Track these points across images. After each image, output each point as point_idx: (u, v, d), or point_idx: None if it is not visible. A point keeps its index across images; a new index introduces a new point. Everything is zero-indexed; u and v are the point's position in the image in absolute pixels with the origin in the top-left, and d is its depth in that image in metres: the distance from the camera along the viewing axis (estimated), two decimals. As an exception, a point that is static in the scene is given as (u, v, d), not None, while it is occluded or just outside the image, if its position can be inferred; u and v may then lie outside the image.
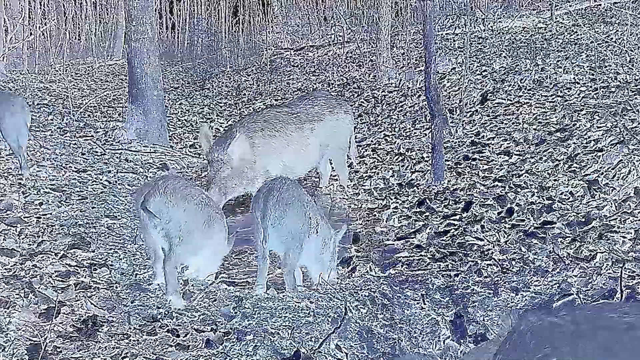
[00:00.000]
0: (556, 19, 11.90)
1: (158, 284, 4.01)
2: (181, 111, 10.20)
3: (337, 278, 4.29)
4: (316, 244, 4.09)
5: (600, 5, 12.57)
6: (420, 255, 4.60)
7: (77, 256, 4.38)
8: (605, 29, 10.46)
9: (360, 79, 10.96)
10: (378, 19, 10.44)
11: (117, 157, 7.10)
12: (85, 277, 4.09)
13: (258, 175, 5.75)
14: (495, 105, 7.76)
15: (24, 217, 4.88)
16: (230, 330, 3.50)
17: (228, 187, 5.60)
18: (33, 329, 3.36)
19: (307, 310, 3.78)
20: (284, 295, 4.01)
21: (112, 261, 4.45)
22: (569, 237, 4.48)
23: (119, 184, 6.13)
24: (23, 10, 12.28)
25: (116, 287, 4.06)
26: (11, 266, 4.08)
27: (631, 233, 4.35)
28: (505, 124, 7.12)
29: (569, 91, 7.61)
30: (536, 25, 12.00)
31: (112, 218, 5.19)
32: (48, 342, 3.24)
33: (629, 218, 4.55)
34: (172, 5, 17.14)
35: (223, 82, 12.72)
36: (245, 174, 5.68)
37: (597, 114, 6.53)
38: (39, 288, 3.84)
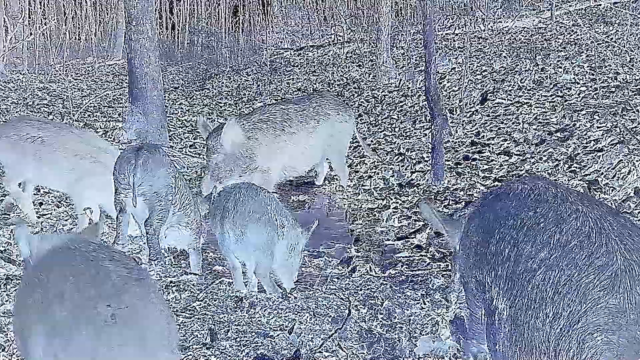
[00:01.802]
0: (556, 19, 11.89)
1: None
2: (181, 111, 10.20)
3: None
4: (282, 249, 4.01)
5: (600, 5, 12.56)
6: (420, 255, 4.60)
7: (77, 256, 4.38)
8: (605, 29, 10.45)
9: (360, 79, 10.96)
10: (378, 19, 10.44)
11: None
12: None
13: (255, 167, 5.74)
14: (495, 105, 7.76)
15: (24, 217, 4.88)
16: (230, 330, 3.51)
17: (221, 174, 5.63)
18: (33, 329, 3.36)
19: (307, 310, 3.78)
20: (284, 296, 4.01)
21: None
22: (569, 237, 4.48)
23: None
24: (23, 10, 12.28)
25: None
26: (11, 267, 4.08)
27: (631, 233, 4.35)
28: (505, 124, 7.12)
29: (569, 91, 7.60)
30: (536, 25, 11.99)
31: (112, 218, 5.19)
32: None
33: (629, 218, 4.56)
34: (172, 5, 17.12)
35: (223, 82, 12.72)
36: (239, 161, 5.69)
37: (597, 114, 6.52)
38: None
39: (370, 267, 4.45)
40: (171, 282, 4.21)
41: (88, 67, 13.08)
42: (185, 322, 3.60)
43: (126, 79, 8.21)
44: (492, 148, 6.59)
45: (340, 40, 13.99)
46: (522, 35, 11.29)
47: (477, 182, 5.82)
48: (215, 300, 3.90)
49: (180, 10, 17.06)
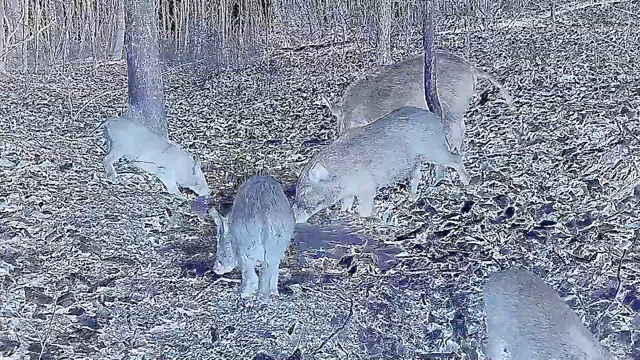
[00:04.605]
0: (556, 19, 11.91)
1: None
2: (181, 111, 10.20)
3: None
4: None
5: (600, 5, 12.56)
6: (420, 255, 4.60)
7: (77, 256, 4.39)
8: (605, 29, 10.46)
9: (360, 79, 10.96)
10: (378, 19, 10.44)
11: (117, 157, 7.09)
12: (85, 277, 4.09)
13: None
14: (495, 105, 7.77)
15: (25, 218, 4.88)
16: (230, 330, 3.51)
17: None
18: (33, 329, 3.36)
19: (307, 310, 3.78)
20: (284, 296, 4.01)
21: (112, 261, 4.45)
22: (569, 237, 4.48)
23: (119, 184, 6.13)
24: (23, 10, 12.27)
25: (116, 287, 4.06)
26: (11, 267, 4.08)
27: (631, 233, 4.35)
28: (506, 124, 7.13)
29: (569, 91, 7.61)
30: (536, 25, 12.00)
31: (112, 218, 5.19)
32: (48, 342, 3.24)
33: (629, 218, 4.55)
34: (172, 5, 17.11)
35: (223, 82, 12.72)
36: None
37: (597, 114, 6.53)
38: (38, 288, 3.84)
39: (370, 267, 4.45)
40: (171, 282, 4.22)
41: (88, 67, 13.08)
42: (185, 322, 3.60)
43: (126, 79, 8.21)
44: (492, 148, 6.59)
45: (340, 40, 13.99)
46: (522, 35, 11.30)
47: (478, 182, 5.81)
48: (215, 301, 3.90)
49: (180, 10, 17.06)
